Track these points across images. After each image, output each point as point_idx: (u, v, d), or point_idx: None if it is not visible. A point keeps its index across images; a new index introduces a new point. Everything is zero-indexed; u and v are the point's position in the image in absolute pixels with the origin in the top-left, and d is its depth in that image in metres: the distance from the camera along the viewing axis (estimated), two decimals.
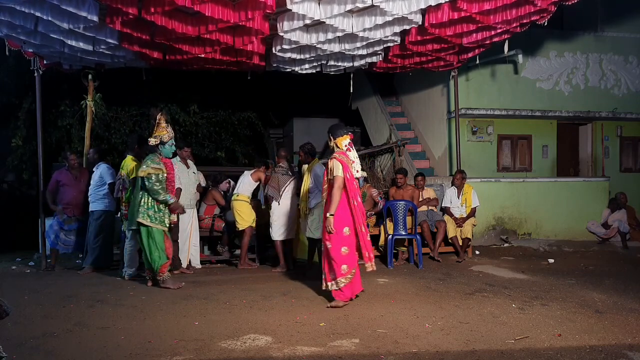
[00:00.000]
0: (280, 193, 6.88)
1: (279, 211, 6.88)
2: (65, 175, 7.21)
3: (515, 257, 7.99)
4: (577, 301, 5.01)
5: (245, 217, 7.02)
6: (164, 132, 5.65)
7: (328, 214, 4.76)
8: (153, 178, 5.50)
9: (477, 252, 8.34)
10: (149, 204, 5.56)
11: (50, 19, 5.56)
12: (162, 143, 5.65)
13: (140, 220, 5.54)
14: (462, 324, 4.21)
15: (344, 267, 4.79)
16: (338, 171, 4.80)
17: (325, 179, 5.05)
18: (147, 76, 8.18)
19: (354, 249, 4.90)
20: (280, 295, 5.33)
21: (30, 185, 10.89)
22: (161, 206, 5.60)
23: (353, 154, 5.09)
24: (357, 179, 7.39)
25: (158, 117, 5.65)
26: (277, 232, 6.90)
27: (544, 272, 6.66)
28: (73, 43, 6.32)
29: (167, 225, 5.66)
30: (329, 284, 4.87)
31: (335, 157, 4.90)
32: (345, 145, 5.04)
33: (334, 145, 5.07)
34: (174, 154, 6.99)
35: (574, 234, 9.39)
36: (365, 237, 4.93)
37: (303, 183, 6.61)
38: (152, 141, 5.65)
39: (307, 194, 6.46)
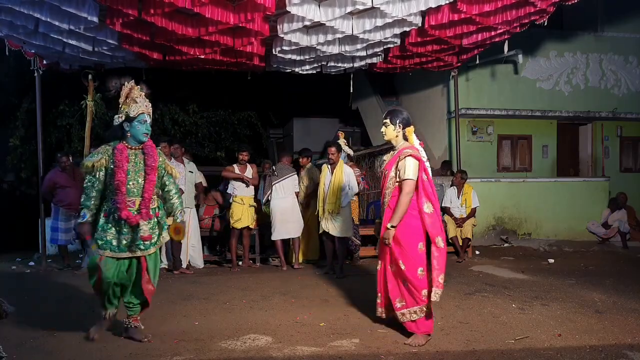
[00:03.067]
0: (266, 193, 7.06)
1: (273, 211, 7.03)
2: (61, 176, 7.17)
3: (515, 257, 7.98)
4: (577, 301, 5.01)
5: (233, 216, 7.05)
6: (132, 104, 3.74)
7: (389, 225, 3.80)
8: (86, 179, 3.76)
9: (477, 252, 8.33)
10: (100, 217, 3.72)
11: (50, 19, 5.56)
12: (129, 119, 3.70)
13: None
14: (462, 324, 4.20)
15: (424, 292, 3.79)
16: (410, 172, 3.78)
17: (387, 180, 3.97)
18: (147, 76, 8.18)
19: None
20: (280, 295, 5.33)
21: (30, 185, 10.89)
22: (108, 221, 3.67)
23: (423, 152, 4.04)
24: (349, 154, 7.19)
25: (127, 86, 3.78)
26: (273, 231, 7.05)
27: (544, 272, 6.66)
28: (74, 43, 6.33)
29: (119, 248, 3.66)
30: (405, 311, 3.84)
31: (411, 154, 3.84)
32: (417, 140, 4.04)
33: (400, 136, 3.97)
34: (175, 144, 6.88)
35: (574, 234, 9.39)
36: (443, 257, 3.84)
37: (330, 183, 6.46)
38: (115, 119, 3.79)
39: (339, 193, 6.39)
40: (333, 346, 3.66)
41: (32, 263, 7.83)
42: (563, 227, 9.45)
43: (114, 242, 3.64)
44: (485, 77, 9.98)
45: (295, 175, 7.13)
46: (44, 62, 7.49)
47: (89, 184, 3.72)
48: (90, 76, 8.30)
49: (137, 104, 3.73)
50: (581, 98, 10.43)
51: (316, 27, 6.32)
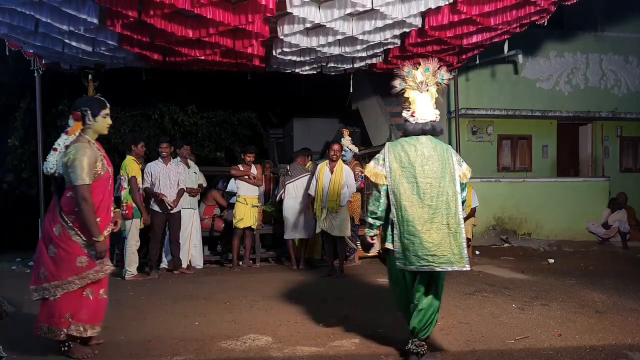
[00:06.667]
0: (279, 192, 7.09)
1: (285, 211, 7.05)
2: None
3: (515, 257, 7.99)
4: (577, 301, 5.01)
5: (236, 216, 7.09)
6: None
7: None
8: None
9: (477, 252, 8.33)
10: None
11: (50, 21, 5.56)
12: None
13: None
14: (462, 324, 4.21)
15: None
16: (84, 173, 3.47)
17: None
18: (146, 76, 8.19)
19: None
20: (280, 295, 5.33)
21: (30, 185, 10.87)
22: None
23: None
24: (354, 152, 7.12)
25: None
26: (285, 230, 7.07)
27: (544, 272, 6.66)
28: (74, 44, 6.33)
29: None
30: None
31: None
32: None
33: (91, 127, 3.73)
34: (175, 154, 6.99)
35: (574, 234, 9.39)
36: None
37: (330, 182, 6.47)
38: (431, 116, 3.53)
39: (339, 191, 6.38)
40: (333, 346, 3.66)
41: (32, 263, 7.82)
42: (563, 227, 9.45)
43: None
44: (485, 77, 9.98)
45: (310, 176, 7.00)
46: (44, 62, 7.49)
47: None
48: (90, 76, 8.29)
49: None
50: (581, 98, 10.43)
51: (316, 29, 6.32)
